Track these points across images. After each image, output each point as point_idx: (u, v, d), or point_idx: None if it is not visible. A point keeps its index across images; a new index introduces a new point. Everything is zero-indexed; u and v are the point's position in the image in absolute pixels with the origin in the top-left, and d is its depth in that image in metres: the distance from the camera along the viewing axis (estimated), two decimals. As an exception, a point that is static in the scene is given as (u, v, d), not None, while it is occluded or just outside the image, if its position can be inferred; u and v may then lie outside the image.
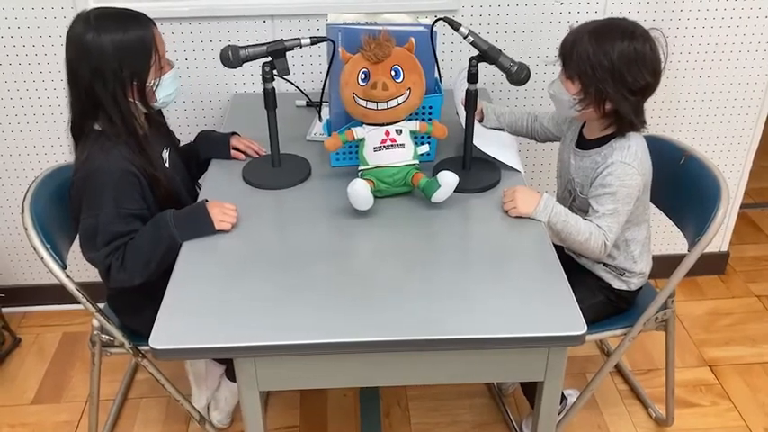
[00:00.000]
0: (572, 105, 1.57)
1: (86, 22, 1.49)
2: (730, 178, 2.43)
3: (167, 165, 1.69)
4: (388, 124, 1.59)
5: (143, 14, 1.54)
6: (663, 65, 1.54)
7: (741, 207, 2.55)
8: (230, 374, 1.98)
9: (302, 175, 1.72)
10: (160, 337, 1.24)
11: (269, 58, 1.60)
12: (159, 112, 1.71)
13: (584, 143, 1.68)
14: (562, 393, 1.89)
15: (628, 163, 1.55)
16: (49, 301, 2.47)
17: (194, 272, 1.41)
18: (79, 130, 1.57)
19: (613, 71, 1.49)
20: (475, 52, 1.58)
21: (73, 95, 1.54)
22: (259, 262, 1.44)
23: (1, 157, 2.24)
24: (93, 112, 1.54)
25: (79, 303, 1.60)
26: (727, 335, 2.39)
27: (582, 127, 1.71)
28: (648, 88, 1.53)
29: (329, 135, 1.69)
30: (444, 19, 1.57)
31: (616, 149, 1.58)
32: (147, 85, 1.54)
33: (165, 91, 1.59)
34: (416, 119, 1.65)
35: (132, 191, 1.54)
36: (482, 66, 1.58)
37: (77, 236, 1.59)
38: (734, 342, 2.35)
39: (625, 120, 1.55)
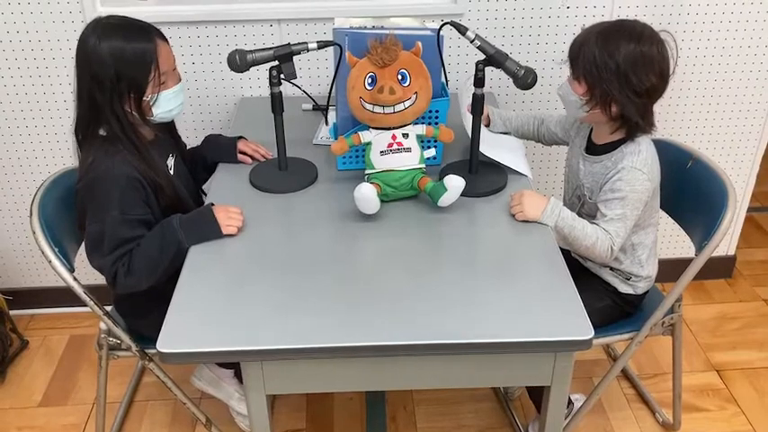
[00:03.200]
0: (580, 106, 1.57)
1: (94, 29, 1.50)
2: (737, 182, 2.42)
3: (172, 172, 1.70)
4: (394, 128, 1.59)
5: (153, 28, 1.54)
6: (672, 68, 1.53)
7: (748, 211, 2.55)
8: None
9: (309, 179, 1.72)
10: (167, 341, 1.24)
11: (276, 62, 1.60)
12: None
13: (593, 148, 1.68)
14: (568, 398, 1.88)
15: (638, 168, 1.55)
16: (56, 303, 2.48)
17: (201, 275, 1.41)
18: (83, 132, 1.58)
19: (618, 72, 1.49)
20: (481, 56, 1.58)
21: (77, 98, 1.55)
22: (266, 266, 1.44)
23: (9, 161, 2.25)
24: (96, 117, 1.54)
25: (86, 306, 1.60)
26: (734, 339, 2.38)
27: (591, 132, 1.71)
28: (655, 90, 1.53)
29: (336, 139, 1.70)
30: (451, 23, 1.57)
31: (627, 154, 1.58)
32: (144, 98, 1.54)
33: (163, 107, 1.58)
34: (423, 123, 1.65)
35: (137, 196, 1.54)
36: (489, 70, 1.58)
37: (84, 242, 1.59)
38: (741, 346, 2.34)
39: (632, 122, 1.55)
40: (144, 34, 1.52)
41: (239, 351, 1.25)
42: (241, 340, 1.25)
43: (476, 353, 1.29)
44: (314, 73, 2.17)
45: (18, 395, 2.20)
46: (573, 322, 1.27)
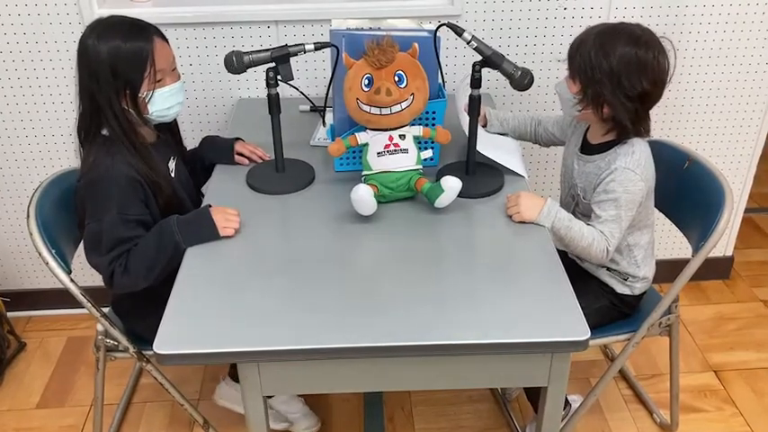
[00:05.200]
0: (573, 105, 1.57)
1: (93, 28, 1.52)
2: (734, 183, 2.43)
3: (173, 174, 1.70)
4: (391, 129, 1.59)
5: (151, 26, 1.55)
6: (669, 75, 1.53)
7: (745, 211, 2.55)
8: None
9: (306, 180, 1.72)
10: (164, 342, 1.24)
11: (273, 64, 1.61)
12: (174, 121, 1.72)
13: (588, 148, 1.68)
14: (566, 399, 1.88)
15: (631, 169, 1.55)
16: (53, 305, 2.48)
17: (198, 277, 1.41)
18: (84, 131, 1.59)
19: (611, 74, 1.49)
20: (478, 57, 1.58)
21: (79, 97, 1.56)
22: (263, 267, 1.44)
23: (6, 162, 2.25)
24: (97, 117, 1.55)
25: (84, 308, 1.60)
26: (732, 340, 2.38)
27: (586, 132, 1.71)
28: (647, 96, 1.52)
29: (333, 140, 1.70)
30: (448, 24, 1.58)
31: (620, 155, 1.58)
32: (140, 96, 1.55)
33: (159, 105, 1.58)
34: (420, 124, 1.65)
35: (136, 197, 1.54)
36: (486, 71, 1.58)
37: (82, 241, 1.60)
38: (739, 347, 2.35)
39: (621, 126, 1.55)
40: (141, 32, 1.53)
41: (236, 352, 1.25)
42: (238, 341, 1.25)
43: (473, 354, 1.29)
44: (311, 74, 2.17)
45: (16, 397, 2.20)
46: (569, 323, 1.27)
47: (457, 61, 2.16)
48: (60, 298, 2.26)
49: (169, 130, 1.73)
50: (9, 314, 2.39)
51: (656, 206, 1.74)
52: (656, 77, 1.51)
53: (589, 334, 1.24)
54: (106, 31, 1.51)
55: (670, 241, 2.51)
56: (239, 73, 1.61)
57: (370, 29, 1.67)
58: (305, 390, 1.54)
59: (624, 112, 1.52)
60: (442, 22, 1.60)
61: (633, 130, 1.56)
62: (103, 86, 1.51)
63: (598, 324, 1.69)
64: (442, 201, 1.55)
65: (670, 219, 1.85)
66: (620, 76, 1.49)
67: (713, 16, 2.14)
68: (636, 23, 1.55)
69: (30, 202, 1.61)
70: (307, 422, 2.02)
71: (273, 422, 2.01)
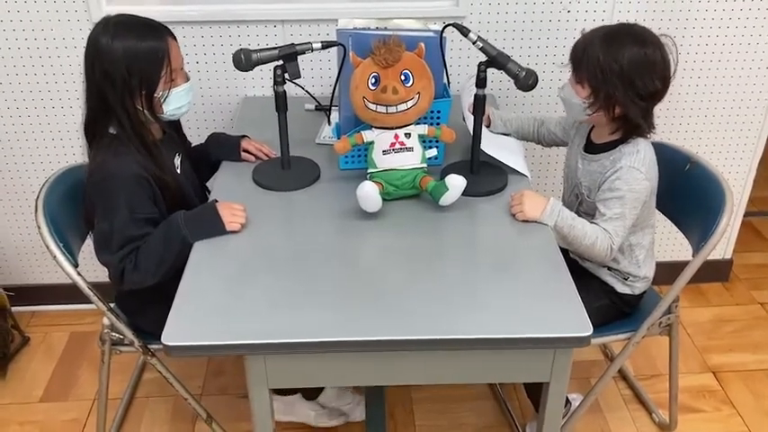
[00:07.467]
0: (583, 109, 1.59)
1: (105, 26, 1.52)
2: (734, 186, 2.44)
3: (179, 171, 1.72)
4: (397, 128, 1.61)
5: (164, 27, 1.56)
6: (672, 72, 1.55)
7: (745, 215, 2.56)
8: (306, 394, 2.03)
9: (311, 178, 1.74)
10: (172, 334, 1.26)
11: (280, 62, 1.62)
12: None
13: (592, 147, 1.70)
14: (566, 397, 1.90)
15: (636, 168, 1.57)
16: (57, 300, 2.49)
17: (205, 271, 1.43)
18: (92, 130, 1.60)
19: (623, 76, 1.51)
20: (482, 58, 1.60)
21: (87, 96, 1.57)
22: (268, 262, 1.45)
23: (14, 158, 2.27)
24: (106, 115, 1.56)
25: (88, 303, 1.61)
26: (730, 341, 2.40)
27: (590, 131, 1.73)
28: (657, 94, 1.55)
29: (338, 138, 1.71)
30: (453, 25, 1.60)
31: (625, 154, 1.60)
32: (155, 95, 1.56)
33: (173, 104, 1.60)
34: (425, 123, 1.67)
35: (144, 195, 1.56)
36: (490, 71, 1.60)
37: (90, 237, 1.61)
38: (737, 349, 2.36)
39: (633, 124, 1.57)
40: (155, 32, 1.54)
41: (243, 344, 1.27)
42: (244, 334, 1.27)
43: (476, 349, 1.31)
44: (316, 74, 2.19)
45: (19, 391, 2.21)
46: (572, 319, 1.29)
47: (462, 62, 2.17)
48: (64, 293, 2.28)
49: (173, 126, 1.75)
50: (13, 308, 2.39)
51: (657, 208, 1.75)
52: (664, 75, 1.54)
53: (591, 330, 1.26)
54: (120, 30, 1.51)
55: (670, 243, 2.53)
56: (247, 70, 1.63)
57: (377, 28, 1.69)
58: (310, 382, 1.56)
59: (637, 110, 1.54)
60: (447, 23, 1.62)
61: (645, 127, 1.58)
62: (118, 85, 1.51)
63: (598, 323, 1.68)
64: (446, 199, 1.57)
65: (671, 220, 1.87)
66: (632, 77, 1.50)
67: (714, 20, 2.15)
68: (633, 23, 1.57)
69: (38, 196, 1.63)
70: (362, 409, 2.06)
71: (330, 419, 2.05)
